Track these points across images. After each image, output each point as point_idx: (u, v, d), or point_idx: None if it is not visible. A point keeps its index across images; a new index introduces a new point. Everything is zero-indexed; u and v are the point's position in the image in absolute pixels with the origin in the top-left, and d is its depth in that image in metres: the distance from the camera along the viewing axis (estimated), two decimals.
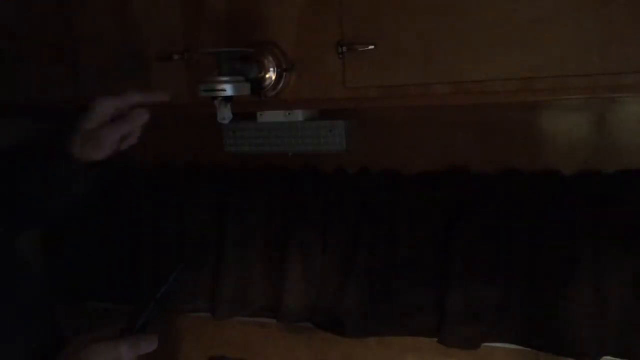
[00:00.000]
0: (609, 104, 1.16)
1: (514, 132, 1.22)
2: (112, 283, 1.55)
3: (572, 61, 0.89)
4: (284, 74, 1.06)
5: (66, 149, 0.94)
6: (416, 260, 1.28)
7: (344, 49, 1.01)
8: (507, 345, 1.26)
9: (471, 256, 1.22)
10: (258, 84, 1.05)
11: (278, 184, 1.39)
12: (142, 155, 1.40)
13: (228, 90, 0.97)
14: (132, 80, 1.19)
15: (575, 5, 0.88)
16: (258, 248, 1.42)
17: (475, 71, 0.95)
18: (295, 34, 1.05)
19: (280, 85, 1.06)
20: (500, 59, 0.93)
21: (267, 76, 1.05)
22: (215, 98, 0.98)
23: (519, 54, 0.91)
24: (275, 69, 1.05)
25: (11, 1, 1.26)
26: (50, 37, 1.24)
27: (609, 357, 1.18)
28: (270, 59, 1.05)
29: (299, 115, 1.27)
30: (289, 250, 1.37)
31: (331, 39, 1.02)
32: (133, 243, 1.53)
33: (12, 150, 1.02)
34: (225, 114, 0.99)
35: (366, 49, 0.99)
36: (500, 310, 1.23)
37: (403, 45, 0.98)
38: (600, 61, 0.88)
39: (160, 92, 0.98)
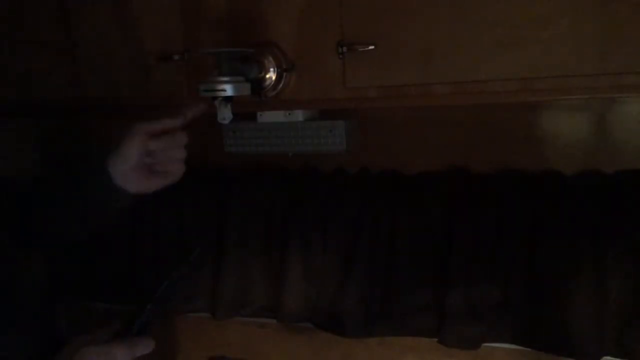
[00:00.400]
0: (609, 104, 1.16)
1: (514, 132, 1.22)
2: (112, 283, 1.55)
3: (572, 61, 0.89)
4: (284, 74, 1.06)
5: (109, 178, 0.90)
6: (416, 260, 1.28)
7: (344, 49, 1.01)
8: (507, 345, 1.26)
9: (471, 256, 1.22)
10: (258, 84, 1.05)
11: (278, 184, 1.39)
12: None
13: (228, 90, 0.97)
14: (132, 80, 1.19)
15: (575, 5, 0.88)
16: (258, 248, 1.42)
17: (475, 71, 0.94)
18: (295, 34, 1.05)
19: (280, 85, 1.06)
20: (500, 59, 0.93)
21: (267, 76, 1.05)
22: (215, 98, 0.98)
23: (519, 54, 0.91)
24: (275, 69, 1.05)
25: (11, 1, 1.26)
26: (50, 37, 1.24)
27: (609, 357, 1.18)
28: (270, 59, 1.05)
29: (299, 115, 1.27)
30: (289, 250, 1.37)
31: (331, 39, 1.02)
32: (133, 243, 1.53)
33: (55, 177, 1.00)
34: (225, 114, 0.99)
35: (366, 49, 0.99)
36: (500, 310, 1.23)
37: (403, 45, 0.98)
38: (600, 61, 0.88)
39: (191, 108, 0.95)
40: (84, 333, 0.84)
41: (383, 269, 1.30)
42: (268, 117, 1.29)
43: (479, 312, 1.23)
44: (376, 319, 1.32)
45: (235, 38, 1.08)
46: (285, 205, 1.38)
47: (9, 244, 0.93)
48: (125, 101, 1.22)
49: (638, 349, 1.15)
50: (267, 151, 1.32)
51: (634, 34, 0.85)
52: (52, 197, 0.96)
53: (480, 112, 1.20)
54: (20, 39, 1.27)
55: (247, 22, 1.07)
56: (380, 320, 1.32)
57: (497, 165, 1.23)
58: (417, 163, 1.29)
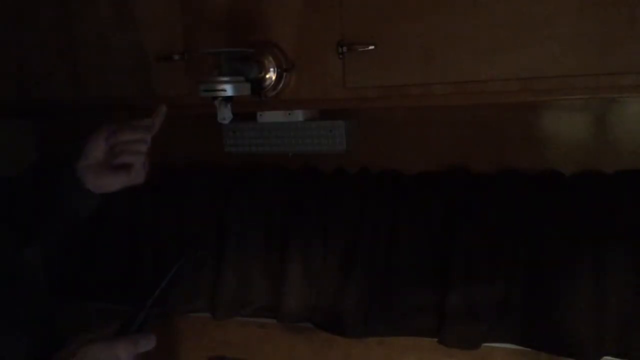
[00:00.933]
0: (609, 104, 1.16)
1: (514, 132, 1.22)
2: (112, 283, 1.55)
3: (572, 61, 0.89)
4: (284, 74, 1.06)
5: (75, 175, 0.95)
6: (416, 260, 1.28)
7: (344, 49, 1.01)
8: (507, 345, 1.26)
9: (471, 256, 1.22)
10: (258, 84, 1.05)
11: (278, 184, 1.39)
12: None
13: (228, 90, 0.97)
14: (132, 80, 1.19)
15: (575, 5, 0.88)
16: (258, 248, 1.42)
17: (475, 71, 0.95)
18: (295, 34, 1.05)
19: (280, 85, 1.06)
20: (500, 59, 0.93)
21: (267, 76, 1.05)
22: (215, 98, 0.98)
23: (519, 54, 0.91)
24: (275, 69, 1.05)
25: (12, 1, 1.26)
26: (50, 37, 1.24)
27: (608, 357, 1.18)
28: (270, 59, 1.05)
29: (299, 115, 1.27)
30: (289, 250, 1.37)
31: (331, 39, 1.02)
32: (133, 243, 1.53)
33: (26, 176, 1.02)
34: (225, 114, 1.00)
35: (366, 49, 0.99)
36: (500, 310, 1.23)
37: (403, 45, 0.98)
38: (600, 61, 0.88)
39: (156, 115, 0.98)
40: (83, 333, 0.84)
41: (383, 269, 1.30)
42: (268, 117, 1.29)
43: (479, 312, 1.23)
44: (376, 319, 1.32)
45: (235, 38, 1.08)
46: (285, 205, 1.38)
47: (9, 244, 0.94)
48: (125, 101, 1.22)
49: (638, 349, 1.15)
50: (267, 151, 1.32)
51: (634, 34, 0.85)
52: (24, 196, 0.98)
53: (480, 112, 1.21)
54: (21, 39, 1.27)
55: (247, 22, 1.08)
56: (380, 320, 1.32)
57: (497, 165, 1.23)
58: (417, 163, 1.29)
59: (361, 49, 1.00)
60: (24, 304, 0.91)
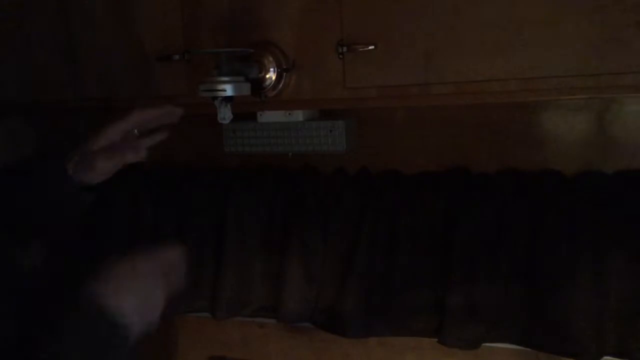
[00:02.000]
0: (609, 104, 1.16)
1: (514, 132, 1.22)
2: None
3: (572, 61, 0.89)
4: (284, 74, 1.06)
5: (63, 167, 0.93)
6: (416, 260, 1.28)
7: (344, 49, 1.01)
8: (507, 345, 1.26)
9: (471, 256, 1.22)
10: (258, 84, 1.05)
11: (278, 184, 1.40)
12: None
13: (228, 90, 0.97)
14: (132, 80, 1.19)
15: (575, 5, 0.88)
16: (258, 248, 1.42)
17: (475, 71, 0.95)
18: (295, 34, 1.05)
19: (280, 85, 1.06)
20: (500, 59, 0.93)
21: (267, 76, 1.06)
22: (215, 98, 0.99)
23: (519, 54, 0.91)
24: (275, 69, 1.05)
25: (12, 1, 1.26)
26: (50, 37, 1.24)
27: (608, 357, 1.18)
28: (270, 59, 1.05)
29: (299, 115, 1.27)
30: (289, 250, 1.37)
31: (331, 39, 1.02)
32: (133, 243, 1.52)
33: (11, 166, 1.01)
34: (225, 114, 1.00)
35: (366, 49, 0.99)
36: (500, 310, 1.23)
37: (403, 45, 0.98)
38: (600, 61, 0.88)
39: (169, 106, 0.97)
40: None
41: (383, 268, 1.30)
42: (268, 117, 1.29)
43: (479, 312, 1.23)
44: (376, 319, 1.32)
45: (235, 38, 1.08)
46: (285, 205, 1.38)
47: (9, 243, 0.94)
48: (125, 101, 1.22)
49: (638, 349, 1.15)
50: (267, 151, 1.32)
51: (633, 34, 0.86)
52: (14, 192, 0.97)
53: (480, 112, 1.21)
54: (20, 39, 1.27)
55: (247, 22, 1.08)
56: (380, 320, 1.32)
57: (497, 165, 1.23)
58: (417, 163, 1.29)
59: (361, 49, 1.00)
60: (24, 304, 0.90)
